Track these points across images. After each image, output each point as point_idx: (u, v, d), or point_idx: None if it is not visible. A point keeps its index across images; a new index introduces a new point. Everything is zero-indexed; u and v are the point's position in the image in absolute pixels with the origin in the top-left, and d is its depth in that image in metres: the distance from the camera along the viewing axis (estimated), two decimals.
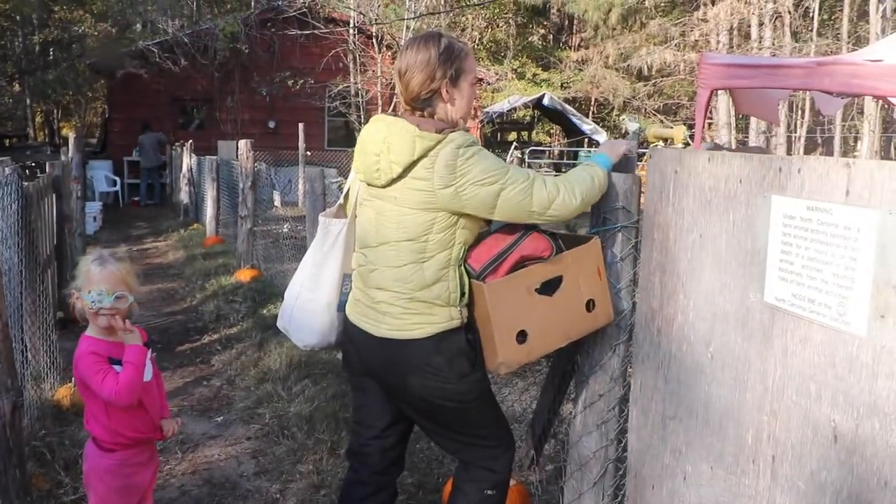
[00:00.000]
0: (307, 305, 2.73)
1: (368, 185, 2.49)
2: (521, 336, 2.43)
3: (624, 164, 2.92)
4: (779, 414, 1.86)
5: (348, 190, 2.71)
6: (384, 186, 2.41)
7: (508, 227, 2.47)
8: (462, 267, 2.43)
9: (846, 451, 1.67)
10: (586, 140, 23.75)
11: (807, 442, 1.78)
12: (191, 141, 15.65)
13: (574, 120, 23.22)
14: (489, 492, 2.63)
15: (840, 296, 1.66)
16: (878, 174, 1.58)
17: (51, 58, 24.97)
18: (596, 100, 28.56)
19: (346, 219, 2.68)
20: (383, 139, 2.38)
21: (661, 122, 24.48)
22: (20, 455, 2.56)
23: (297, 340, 2.83)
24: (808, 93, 15.24)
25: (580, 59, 28.09)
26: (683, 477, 2.25)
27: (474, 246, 2.46)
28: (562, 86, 28.57)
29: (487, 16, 30.08)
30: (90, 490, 2.69)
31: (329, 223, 2.70)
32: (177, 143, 17.32)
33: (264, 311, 6.85)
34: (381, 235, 2.43)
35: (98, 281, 2.56)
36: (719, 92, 13.73)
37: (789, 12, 20.76)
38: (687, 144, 20.98)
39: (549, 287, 2.48)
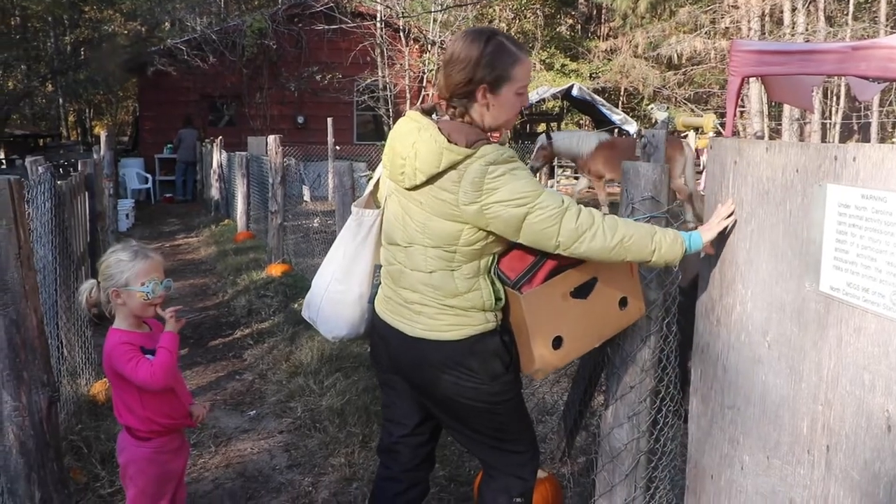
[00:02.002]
0: (338, 297, 2.67)
1: (394, 182, 2.45)
2: (557, 342, 2.41)
3: (652, 153, 2.89)
4: (833, 404, 1.85)
5: (378, 179, 2.67)
6: (409, 189, 2.35)
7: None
8: (493, 274, 2.38)
9: None
10: (616, 130, 23.56)
11: (861, 432, 1.77)
12: (221, 137, 15.76)
13: (603, 110, 23.01)
14: (518, 499, 2.60)
15: (894, 284, 1.65)
16: None
17: (82, 57, 25.26)
18: (625, 89, 28.32)
19: (377, 210, 2.62)
20: (412, 143, 2.31)
21: (692, 111, 24.22)
22: (57, 449, 2.58)
23: (325, 332, 2.77)
24: (843, 78, 15.00)
25: (609, 49, 27.85)
26: (741, 466, 2.24)
27: (506, 252, 2.40)
28: (591, 76, 28.34)
29: (515, 7, 29.91)
30: (129, 482, 2.71)
31: (362, 214, 2.64)
32: (207, 140, 17.46)
33: (295, 306, 6.89)
34: (408, 235, 2.39)
35: (148, 272, 2.62)
36: (751, 79, 13.57)
37: None
38: (718, 133, 20.75)
39: (583, 290, 2.45)
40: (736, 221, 2.27)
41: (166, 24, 23.52)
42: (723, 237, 2.34)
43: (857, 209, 1.74)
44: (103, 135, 9.12)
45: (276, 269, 8.42)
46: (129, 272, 2.59)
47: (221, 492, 3.74)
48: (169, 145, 19.34)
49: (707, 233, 2.33)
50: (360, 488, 3.67)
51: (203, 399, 4.95)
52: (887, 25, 19.06)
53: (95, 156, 9.73)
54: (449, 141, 2.23)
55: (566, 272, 2.40)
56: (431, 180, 2.26)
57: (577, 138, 11.48)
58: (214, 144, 15.25)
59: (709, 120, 20.40)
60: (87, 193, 6.65)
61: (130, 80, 24.32)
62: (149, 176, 18.97)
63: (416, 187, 2.31)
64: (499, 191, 2.19)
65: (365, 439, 4.12)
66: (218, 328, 6.85)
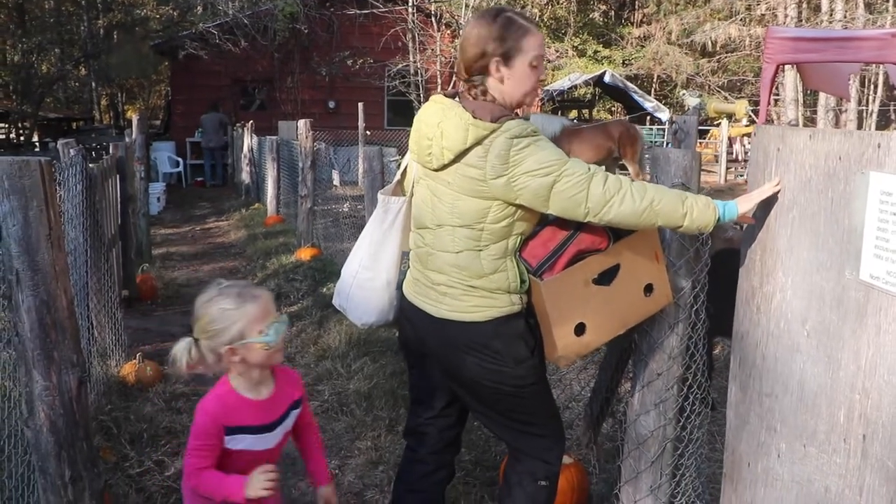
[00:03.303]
0: (366, 284, 2.70)
1: (421, 165, 2.47)
2: (580, 329, 2.40)
3: (683, 139, 2.85)
4: (870, 393, 1.84)
5: (406, 167, 2.68)
6: (437, 170, 2.37)
7: (563, 219, 2.39)
8: (518, 257, 2.39)
9: None
10: (648, 118, 23.35)
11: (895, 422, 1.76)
12: (251, 121, 15.83)
13: (636, 97, 22.84)
14: (543, 483, 2.60)
15: None
16: None
17: (115, 41, 25.51)
18: (658, 76, 28.08)
19: (404, 197, 2.65)
20: (437, 123, 2.34)
21: (725, 98, 23.92)
22: (87, 428, 2.60)
23: (355, 319, 2.80)
24: (881, 66, 14.71)
25: (642, 36, 27.62)
26: (777, 454, 2.24)
27: (529, 238, 2.40)
28: (623, 63, 28.13)
29: None
30: None
31: (388, 201, 2.67)
32: (238, 124, 17.55)
33: (324, 290, 6.91)
34: (437, 217, 2.40)
35: (264, 315, 2.18)
36: (786, 67, 13.35)
37: None
38: (752, 121, 20.48)
39: (607, 276, 2.42)
40: (777, 198, 2.23)
41: (198, 7, 23.65)
42: (764, 223, 2.30)
43: None
44: (135, 118, 9.17)
45: (305, 254, 8.45)
46: (242, 322, 2.14)
47: None
48: (199, 130, 19.48)
49: (745, 203, 2.29)
50: (386, 471, 3.67)
51: None
52: None
53: (127, 139, 9.81)
54: (474, 117, 2.25)
55: (588, 259, 2.38)
56: (458, 158, 2.28)
57: (541, 121, 11.56)
58: (245, 129, 15.33)
59: (741, 106, 20.15)
60: (118, 176, 6.70)
61: (162, 63, 24.50)
62: (180, 160, 19.12)
63: (443, 167, 2.33)
64: (525, 162, 2.21)
65: (391, 423, 4.12)
66: None
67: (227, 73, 19.84)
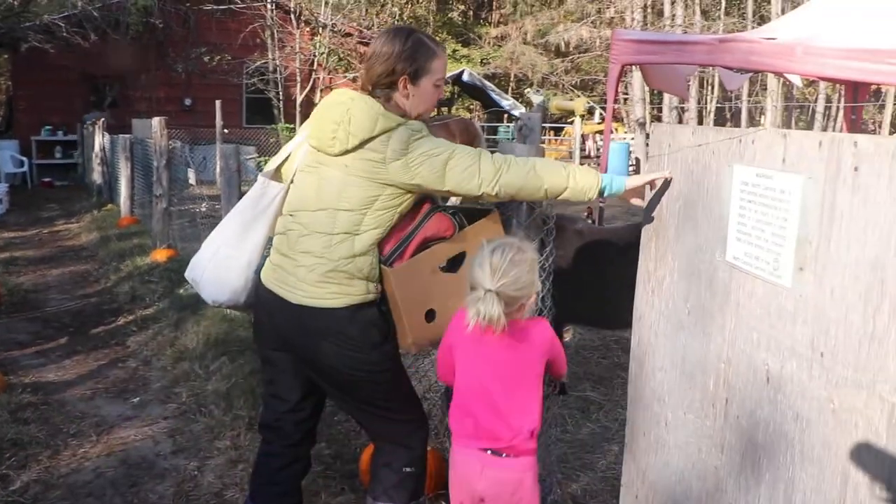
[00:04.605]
0: (226, 262, 2.72)
1: (318, 150, 2.52)
2: (430, 315, 2.51)
3: (528, 135, 3.02)
4: (732, 361, 2.08)
5: (290, 154, 2.71)
6: (338, 155, 2.45)
7: (413, 211, 2.53)
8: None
9: (773, 389, 1.89)
10: (506, 116, 23.94)
11: (748, 385, 2.00)
12: (103, 119, 15.20)
13: (493, 96, 23.35)
14: (407, 469, 2.69)
15: (776, 252, 1.86)
16: (805, 143, 1.77)
17: None
18: (515, 76, 28.78)
19: (283, 184, 2.67)
20: (346, 110, 2.44)
21: (578, 96, 24.84)
22: None
23: (206, 295, 2.81)
24: (715, 68, 15.68)
25: (499, 36, 28.27)
26: (665, 423, 2.46)
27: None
28: (481, 62, 28.68)
29: None
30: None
31: (268, 184, 2.68)
32: (88, 122, 16.81)
33: (181, 291, 6.79)
34: (321, 201, 2.47)
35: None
36: (634, 67, 14.02)
37: None
38: (589, 114, 21.43)
39: (454, 264, 2.56)
40: (668, 189, 2.43)
41: None
42: (657, 212, 2.50)
43: (754, 186, 1.96)
44: None
45: (161, 255, 8.28)
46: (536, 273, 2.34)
47: (103, 481, 3.68)
48: (47, 127, 18.54)
49: (632, 180, 2.50)
50: (246, 469, 3.67)
51: (84, 388, 4.87)
52: (753, 21, 20.08)
53: None
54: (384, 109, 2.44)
55: (434, 247, 2.52)
56: (363, 144, 2.41)
57: None
58: (97, 127, 14.72)
59: (580, 104, 21.11)
60: None
61: (1, 56, 23.10)
62: (25, 159, 18.11)
63: (346, 152, 2.43)
64: (422, 146, 2.41)
65: (251, 421, 4.13)
66: (100, 315, 6.68)
67: (75, 67, 18.88)
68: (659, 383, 2.50)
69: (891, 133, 20.76)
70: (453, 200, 2.90)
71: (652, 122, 22.24)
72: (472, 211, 2.77)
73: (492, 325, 2.20)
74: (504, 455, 2.32)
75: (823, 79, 9.65)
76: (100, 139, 14.32)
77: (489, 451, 2.33)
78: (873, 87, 9.77)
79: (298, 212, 2.55)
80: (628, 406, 2.76)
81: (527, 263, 2.25)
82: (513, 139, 3.18)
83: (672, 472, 2.41)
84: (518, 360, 2.33)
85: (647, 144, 19.48)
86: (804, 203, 1.76)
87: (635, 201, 2.56)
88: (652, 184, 2.48)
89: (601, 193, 2.48)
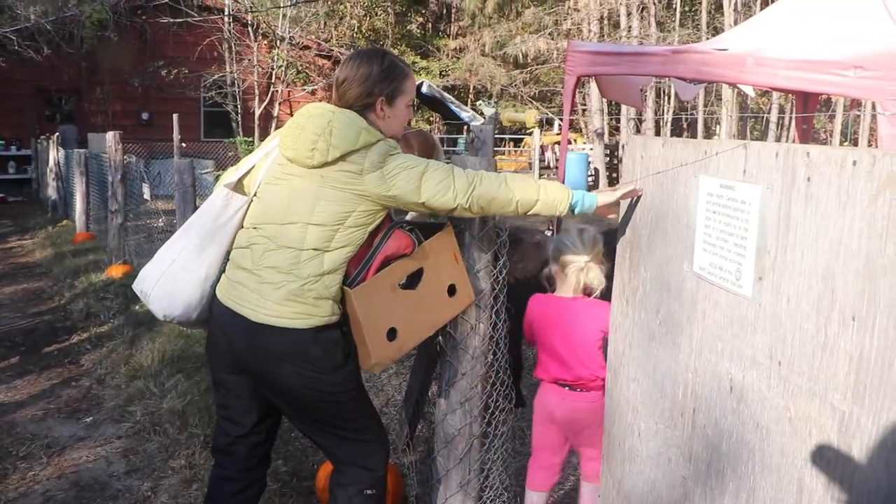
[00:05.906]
0: (182, 275, 2.58)
1: (293, 162, 2.45)
2: (391, 334, 2.49)
3: (480, 147, 3.03)
4: (699, 371, 2.09)
5: (252, 168, 2.63)
6: (316, 167, 2.40)
7: (374, 232, 2.49)
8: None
9: (736, 399, 1.89)
10: (466, 128, 24.03)
11: (714, 394, 2.01)
12: (57, 134, 14.99)
13: (453, 108, 23.41)
14: (368, 491, 2.62)
15: (737, 262, 1.88)
16: (763, 153, 1.79)
17: None
18: (474, 87, 28.93)
19: (247, 197, 2.59)
20: (328, 122, 2.40)
21: (538, 108, 25.04)
22: None
23: (157, 309, 2.63)
24: (670, 79, 15.91)
25: (458, 48, 28.41)
26: (638, 433, 2.46)
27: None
28: (440, 74, 28.81)
29: (366, 4, 29.90)
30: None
31: (231, 196, 2.58)
32: (42, 137, 16.55)
33: (136, 308, 6.69)
34: (291, 214, 2.41)
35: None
36: (591, 78, 14.18)
37: (654, 3, 21.61)
38: (548, 125, 21.58)
39: (413, 280, 2.55)
40: (639, 199, 2.46)
41: None
42: (631, 223, 2.52)
43: (718, 197, 1.98)
44: None
45: (116, 271, 8.19)
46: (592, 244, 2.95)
47: None
48: (0, 142, 18.22)
49: (604, 196, 2.52)
50: (201, 489, 3.63)
51: (35, 409, 4.78)
52: (707, 33, 20.40)
53: None
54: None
55: (392, 265, 2.50)
56: (344, 157, 2.39)
57: None
58: (51, 141, 14.51)
59: (531, 115, 21.35)
60: None
61: None
62: None
63: (325, 164, 2.39)
64: (398, 159, 2.42)
65: (206, 439, 4.07)
66: (53, 333, 6.56)
67: (28, 81, 18.62)
68: (633, 393, 2.51)
69: (841, 143, 21.21)
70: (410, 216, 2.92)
71: (610, 133, 22.50)
72: (426, 226, 2.76)
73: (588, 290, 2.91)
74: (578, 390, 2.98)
75: (775, 89, 9.83)
76: (54, 154, 14.11)
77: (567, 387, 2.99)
78: (822, 96, 9.97)
79: (264, 225, 2.47)
80: (605, 416, 2.76)
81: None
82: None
83: (645, 482, 2.41)
84: (583, 323, 2.91)
85: (607, 155, 19.78)
86: (762, 213, 1.77)
87: (611, 217, 2.61)
88: (624, 196, 2.50)
89: (572, 210, 2.50)
